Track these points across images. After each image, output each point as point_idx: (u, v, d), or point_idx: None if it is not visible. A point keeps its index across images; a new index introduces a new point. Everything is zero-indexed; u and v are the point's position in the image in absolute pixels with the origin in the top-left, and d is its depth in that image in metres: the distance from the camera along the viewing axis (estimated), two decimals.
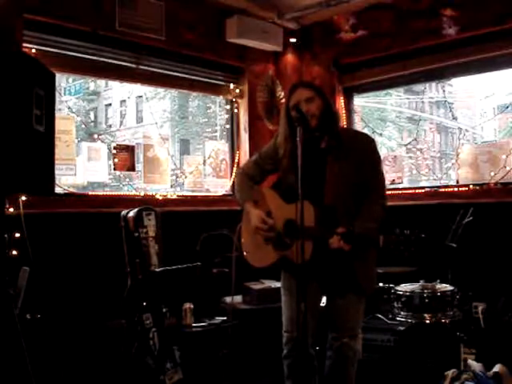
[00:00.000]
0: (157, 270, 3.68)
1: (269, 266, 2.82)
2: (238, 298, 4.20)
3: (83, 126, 5.24)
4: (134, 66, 4.29)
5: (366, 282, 2.77)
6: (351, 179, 2.64)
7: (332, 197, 2.63)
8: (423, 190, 4.61)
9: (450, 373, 3.05)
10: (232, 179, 5.02)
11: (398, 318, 3.61)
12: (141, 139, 4.68)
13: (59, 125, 3.52)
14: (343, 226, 2.51)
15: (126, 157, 4.30)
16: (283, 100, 5.15)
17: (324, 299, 2.91)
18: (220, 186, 5.01)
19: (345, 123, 5.05)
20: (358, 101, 5.66)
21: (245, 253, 2.91)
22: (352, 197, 2.65)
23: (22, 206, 3.27)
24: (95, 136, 4.36)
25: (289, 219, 2.69)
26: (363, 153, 2.70)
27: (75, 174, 4.06)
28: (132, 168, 4.36)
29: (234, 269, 3.73)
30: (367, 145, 2.75)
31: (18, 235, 3.23)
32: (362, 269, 2.72)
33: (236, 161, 5.08)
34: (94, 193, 4.22)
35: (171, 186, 4.66)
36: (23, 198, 3.28)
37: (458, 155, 4.49)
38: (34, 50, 3.66)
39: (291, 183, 2.63)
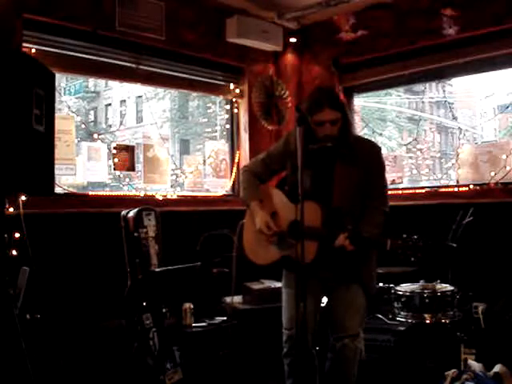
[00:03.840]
0: (157, 269, 3.67)
1: (270, 264, 2.85)
2: (238, 298, 4.21)
3: (83, 125, 5.22)
4: (133, 66, 4.29)
5: (369, 281, 2.81)
6: (358, 184, 2.70)
7: (340, 200, 2.67)
8: (423, 190, 4.61)
9: (451, 373, 3.05)
10: (232, 179, 5.02)
11: (398, 318, 3.61)
12: (141, 139, 4.67)
13: (59, 125, 3.51)
14: (351, 226, 2.56)
15: (125, 157, 4.29)
16: (287, 99, 5.15)
17: (324, 300, 2.93)
18: (220, 186, 5.01)
19: None
20: (358, 101, 5.66)
21: (246, 250, 2.93)
22: (358, 201, 2.71)
23: (22, 206, 3.26)
24: (95, 136, 4.35)
25: (294, 220, 2.70)
26: (371, 160, 2.76)
27: (75, 174, 4.06)
28: (132, 168, 4.36)
29: (234, 268, 3.73)
30: (375, 153, 2.81)
31: (17, 235, 3.23)
32: (365, 268, 2.78)
33: (236, 161, 5.08)
34: (94, 193, 4.22)
35: (171, 186, 4.65)
36: (23, 197, 3.28)
37: (458, 155, 4.49)
38: (33, 50, 3.66)
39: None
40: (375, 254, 2.82)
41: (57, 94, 2.87)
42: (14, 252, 3.17)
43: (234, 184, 5.02)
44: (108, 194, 4.25)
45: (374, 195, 2.73)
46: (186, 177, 4.78)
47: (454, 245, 3.69)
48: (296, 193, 2.63)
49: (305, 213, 2.43)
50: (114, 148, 4.26)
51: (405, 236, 2.51)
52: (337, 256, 2.61)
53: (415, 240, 2.49)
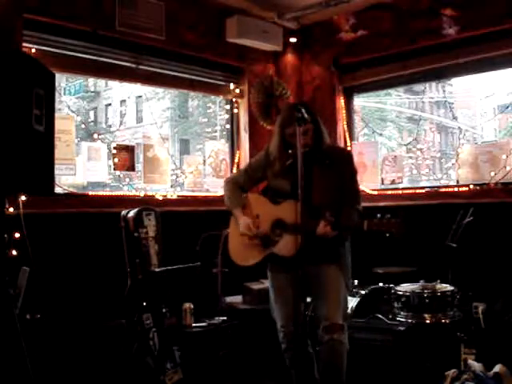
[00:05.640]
0: (157, 270, 3.68)
1: (256, 264, 3.05)
2: (238, 298, 4.21)
3: (83, 125, 5.21)
4: (133, 65, 4.29)
5: (347, 267, 3.04)
6: (335, 186, 2.97)
7: (318, 199, 2.92)
8: (423, 190, 4.61)
9: (451, 373, 3.05)
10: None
11: (397, 318, 3.61)
12: (141, 139, 4.67)
13: (59, 125, 3.51)
14: (331, 215, 2.80)
15: (125, 157, 4.30)
16: (289, 99, 5.15)
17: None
18: (220, 186, 4.99)
19: (345, 123, 5.06)
20: (358, 101, 5.66)
21: (232, 254, 3.13)
22: (335, 201, 2.94)
23: (22, 205, 3.27)
24: (95, 136, 4.35)
25: (277, 219, 2.99)
26: (344, 165, 3.05)
27: (75, 174, 4.06)
28: (132, 168, 4.36)
29: (220, 269, 3.88)
30: (346, 158, 3.12)
31: (18, 235, 3.23)
32: (342, 249, 3.03)
33: (236, 161, 5.08)
34: (94, 193, 4.21)
35: (171, 186, 4.65)
36: (23, 197, 3.28)
37: (458, 155, 4.49)
38: (33, 50, 3.66)
39: (280, 185, 3.01)
40: (348, 240, 3.07)
41: (57, 94, 2.86)
42: (14, 252, 3.18)
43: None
44: (108, 194, 4.24)
45: (349, 196, 2.99)
46: (185, 177, 4.78)
47: (454, 245, 3.70)
48: (277, 195, 3.04)
49: (287, 211, 2.89)
50: (114, 148, 4.26)
51: (379, 216, 2.77)
52: (320, 244, 2.83)
53: (388, 217, 2.75)
